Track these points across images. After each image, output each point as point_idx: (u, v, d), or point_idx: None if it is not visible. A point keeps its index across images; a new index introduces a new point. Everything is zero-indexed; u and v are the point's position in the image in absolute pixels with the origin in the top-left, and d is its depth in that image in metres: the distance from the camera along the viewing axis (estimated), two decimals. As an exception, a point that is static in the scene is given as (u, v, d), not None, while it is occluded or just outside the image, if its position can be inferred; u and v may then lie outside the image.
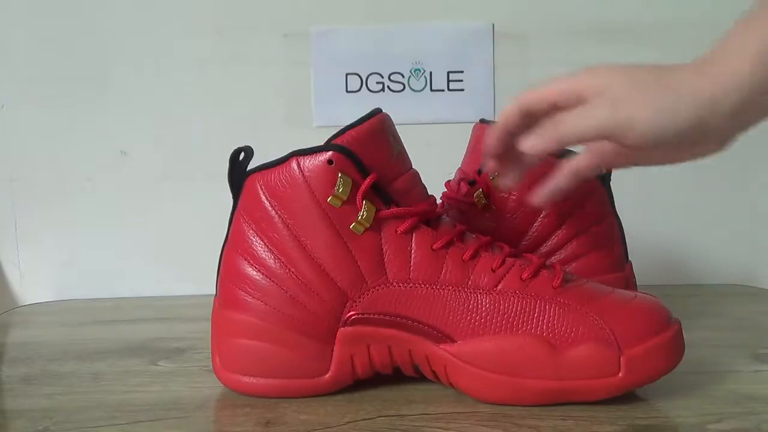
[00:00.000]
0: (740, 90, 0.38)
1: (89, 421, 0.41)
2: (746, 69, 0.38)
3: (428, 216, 0.44)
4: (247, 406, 0.43)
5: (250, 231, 0.44)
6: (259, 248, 0.44)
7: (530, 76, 0.79)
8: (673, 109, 0.39)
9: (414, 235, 0.43)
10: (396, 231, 0.43)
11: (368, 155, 0.43)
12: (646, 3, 0.78)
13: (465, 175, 0.56)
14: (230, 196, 0.45)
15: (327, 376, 0.44)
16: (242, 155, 0.45)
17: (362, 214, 0.42)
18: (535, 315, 0.42)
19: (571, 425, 0.39)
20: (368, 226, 0.42)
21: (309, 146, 0.43)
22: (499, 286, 0.43)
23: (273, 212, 0.43)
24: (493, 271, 0.43)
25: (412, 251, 0.43)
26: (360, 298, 0.43)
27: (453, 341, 0.42)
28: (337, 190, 0.42)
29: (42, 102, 0.78)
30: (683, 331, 0.43)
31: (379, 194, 0.43)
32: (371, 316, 0.43)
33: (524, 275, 0.43)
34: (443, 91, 0.78)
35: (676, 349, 0.42)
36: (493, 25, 0.78)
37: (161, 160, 0.79)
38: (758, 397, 0.43)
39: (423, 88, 0.78)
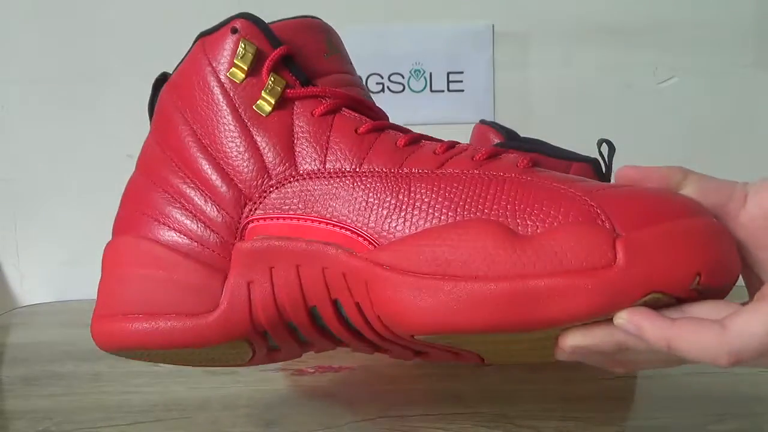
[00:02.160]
0: None
1: (89, 422, 0.41)
2: None
3: (359, 105, 0.35)
4: (247, 407, 0.43)
5: (156, 146, 0.36)
6: (157, 159, 0.35)
7: (530, 76, 0.79)
8: None
9: (335, 118, 0.34)
10: (312, 113, 0.34)
11: (289, 40, 0.35)
12: (646, 3, 0.78)
13: None
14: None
15: (215, 313, 0.33)
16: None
17: (267, 86, 0.34)
18: (489, 196, 0.29)
19: (571, 426, 0.39)
20: (274, 103, 0.33)
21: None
22: (442, 169, 0.31)
23: (178, 114, 0.35)
24: (436, 153, 0.33)
25: (330, 136, 0.33)
26: (261, 198, 0.33)
27: (376, 245, 0.30)
28: (238, 57, 0.34)
29: (42, 103, 0.78)
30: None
31: (294, 72, 0.35)
32: (273, 221, 0.33)
33: (478, 156, 0.32)
34: (443, 91, 0.78)
35: (708, 243, 0.27)
36: (493, 26, 0.78)
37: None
38: (758, 397, 0.43)
39: (423, 89, 0.78)
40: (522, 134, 0.57)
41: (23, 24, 0.77)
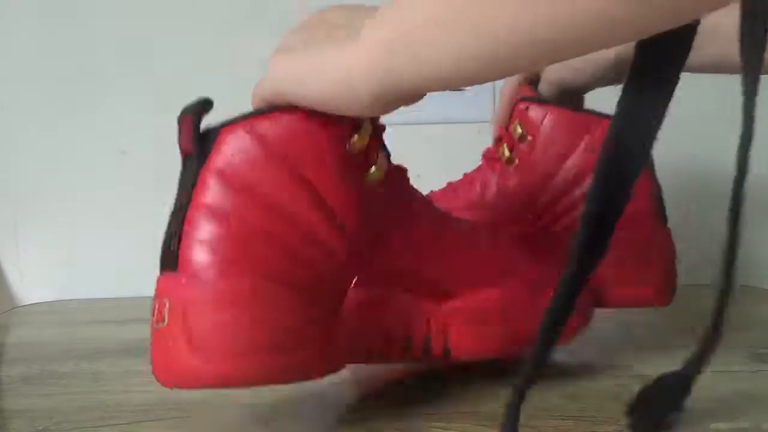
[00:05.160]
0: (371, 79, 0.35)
1: (89, 421, 0.41)
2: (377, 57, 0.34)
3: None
4: (247, 406, 0.43)
5: (226, 189, 0.39)
6: (263, 214, 0.37)
7: (530, 76, 0.79)
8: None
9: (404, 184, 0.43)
10: (401, 184, 0.42)
11: None
12: (646, 3, 0.78)
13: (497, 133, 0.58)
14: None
15: (334, 347, 0.38)
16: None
17: (376, 165, 0.39)
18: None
19: (571, 426, 0.39)
20: (381, 176, 0.39)
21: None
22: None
23: (273, 164, 0.38)
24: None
25: (416, 203, 0.43)
26: (371, 252, 0.39)
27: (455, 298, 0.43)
28: (357, 139, 0.38)
29: (42, 102, 0.78)
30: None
31: (384, 148, 0.41)
32: (383, 275, 0.41)
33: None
34: (443, 90, 0.78)
35: None
36: (493, 25, 0.78)
37: (161, 160, 0.79)
38: (758, 397, 0.43)
39: (423, 88, 0.78)
40: (522, 134, 0.57)
41: (23, 24, 0.77)
